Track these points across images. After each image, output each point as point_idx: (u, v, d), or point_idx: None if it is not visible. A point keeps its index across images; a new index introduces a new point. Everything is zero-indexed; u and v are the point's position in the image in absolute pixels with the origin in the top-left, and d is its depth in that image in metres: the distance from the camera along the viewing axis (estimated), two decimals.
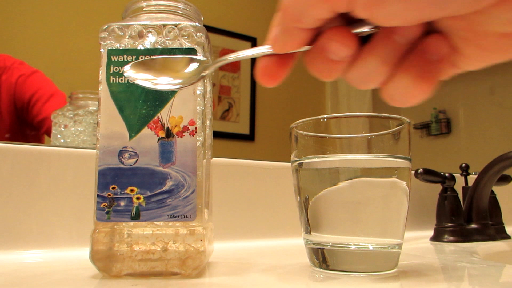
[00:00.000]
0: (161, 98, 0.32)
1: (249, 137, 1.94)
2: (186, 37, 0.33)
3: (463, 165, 0.73)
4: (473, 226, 0.64)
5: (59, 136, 0.61)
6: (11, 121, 0.76)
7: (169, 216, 0.31)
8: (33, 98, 0.75)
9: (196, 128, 0.32)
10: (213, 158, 0.42)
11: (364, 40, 0.20)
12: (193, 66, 0.24)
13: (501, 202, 0.71)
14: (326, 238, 0.34)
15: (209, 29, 0.34)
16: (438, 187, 0.67)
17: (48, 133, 0.74)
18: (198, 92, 0.33)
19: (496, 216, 0.69)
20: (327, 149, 0.34)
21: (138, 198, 0.31)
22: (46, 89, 0.76)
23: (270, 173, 0.62)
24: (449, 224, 0.63)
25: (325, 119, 0.35)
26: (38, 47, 1.36)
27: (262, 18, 2.04)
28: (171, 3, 0.35)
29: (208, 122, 0.36)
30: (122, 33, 0.33)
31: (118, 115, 0.32)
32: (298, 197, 0.36)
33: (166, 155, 0.31)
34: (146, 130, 0.32)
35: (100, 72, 0.33)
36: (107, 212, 0.31)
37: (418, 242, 0.62)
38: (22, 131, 0.76)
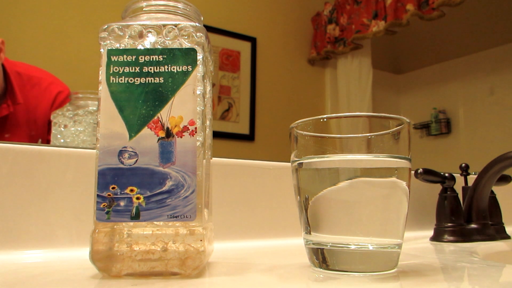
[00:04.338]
0: (161, 98, 0.32)
1: (249, 137, 1.94)
2: (186, 37, 0.33)
3: (463, 165, 0.73)
4: (473, 226, 0.64)
5: (59, 136, 0.61)
6: (44, 131, 0.84)
7: (169, 216, 0.31)
8: None
9: (196, 128, 0.32)
10: (213, 158, 0.42)
11: None
12: None
13: (501, 202, 0.71)
14: (326, 238, 0.34)
15: (209, 29, 0.34)
16: (438, 187, 0.67)
17: None
18: (198, 92, 0.33)
19: (496, 216, 0.69)
20: (327, 149, 0.34)
21: (138, 198, 0.31)
22: None
23: (270, 173, 0.62)
24: (449, 224, 0.63)
25: (325, 119, 0.35)
26: (38, 47, 1.36)
27: (262, 18, 2.04)
28: (171, 3, 0.35)
29: (208, 122, 0.36)
30: (122, 33, 0.33)
31: (118, 115, 0.32)
32: (298, 197, 0.36)
33: (166, 155, 0.31)
34: (146, 130, 0.32)
35: (100, 72, 0.33)
36: (107, 212, 0.31)
37: (418, 242, 0.62)
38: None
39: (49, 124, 0.83)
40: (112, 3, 1.37)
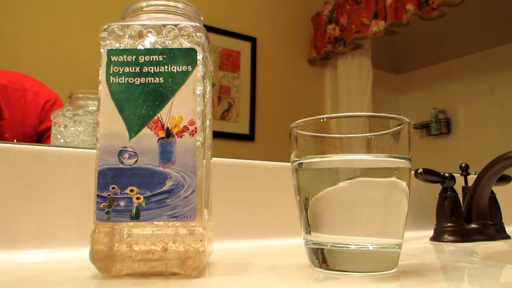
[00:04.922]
0: (161, 98, 0.32)
1: (249, 137, 1.94)
2: (186, 37, 0.33)
3: (463, 165, 0.73)
4: (473, 226, 0.64)
5: (59, 136, 0.61)
6: (32, 139, 0.82)
7: (169, 216, 0.31)
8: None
9: (196, 128, 0.32)
10: (213, 158, 0.42)
11: None
12: None
13: (501, 202, 0.71)
14: (326, 238, 0.34)
15: (209, 29, 0.34)
16: (438, 187, 0.67)
17: None
18: (198, 92, 0.33)
19: (496, 216, 0.69)
20: (327, 149, 0.34)
21: (138, 198, 0.31)
22: None
23: (270, 173, 0.62)
24: (449, 224, 0.63)
25: (325, 119, 0.35)
26: (38, 47, 1.36)
27: (262, 18, 2.04)
28: (171, 3, 0.35)
29: (208, 122, 0.36)
30: (122, 33, 0.33)
31: (118, 115, 0.32)
32: (298, 197, 0.36)
33: (166, 155, 0.31)
34: (146, 130, 0.32)
35: (100, 72, 0.33)
36: (107, 212, 0.31)
37: (418, 242, 0.62)
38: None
39: (39, 135, 0.82)
40: (112, 3, 1.37)
